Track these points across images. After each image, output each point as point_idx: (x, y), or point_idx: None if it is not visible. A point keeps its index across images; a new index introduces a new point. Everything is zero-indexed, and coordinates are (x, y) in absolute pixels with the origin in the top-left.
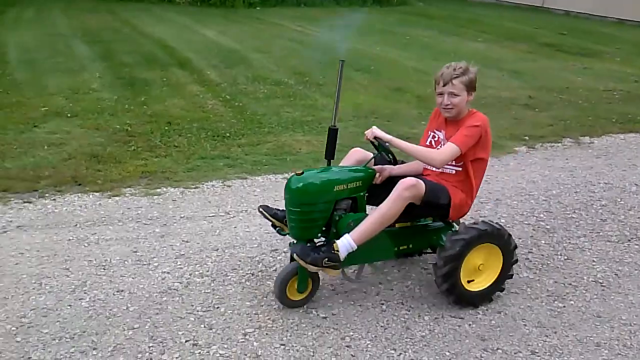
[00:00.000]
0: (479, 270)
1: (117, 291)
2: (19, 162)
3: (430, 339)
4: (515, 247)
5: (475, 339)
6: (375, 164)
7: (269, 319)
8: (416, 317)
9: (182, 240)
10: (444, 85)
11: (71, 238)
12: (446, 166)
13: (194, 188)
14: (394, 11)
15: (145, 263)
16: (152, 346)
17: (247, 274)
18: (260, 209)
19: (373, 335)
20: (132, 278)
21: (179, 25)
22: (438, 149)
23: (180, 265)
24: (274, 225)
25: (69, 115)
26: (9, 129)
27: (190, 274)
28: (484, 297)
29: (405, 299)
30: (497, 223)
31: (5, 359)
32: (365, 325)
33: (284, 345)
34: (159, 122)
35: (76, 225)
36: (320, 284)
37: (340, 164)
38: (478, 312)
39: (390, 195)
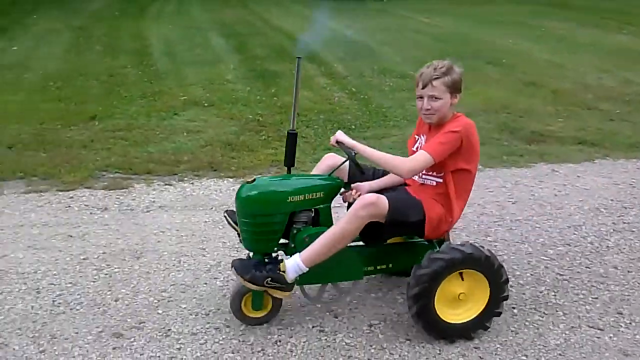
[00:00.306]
0: (459, 300)
1: None
2: (160, 147)
3: (565, 349)
4: (507, 281)
5: (616, 352)
6: (349, 176)
7: (394, 312)
8: (550, 324)
9: None
10: (423, 88)
11: (207, 220)
12: (427, 177)
13: None
14: (527, 2)
15: None
16: (280, 329)
17: None
18: (225, 214)
19: (503, 339)
20: None
21: (307, 19)
22: None
23: None
24: (239, 234)
25: (206, 104)
26: (152, 116)
27: None
28: (461, 332)
29: (538, 305)
30: (488, 250)
31: (148, 328)
32: (494, 329)
33: (409, 340)
34: (288, 113)
35: (212, 208)
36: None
37: (313, 171)
38: (620, 325)
39: (347, 213)
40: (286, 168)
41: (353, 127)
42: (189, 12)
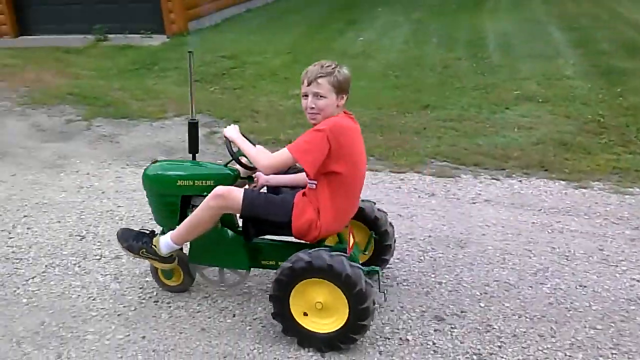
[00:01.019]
0: (317, 309)
1: (580, 285)
2: (490, 140)
3: None
4: (369, 310)
5: None
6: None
7: None
8: None
9: None
10: (308, 85)
11: (535, 221)
12: (310, 180)
13: None
14: None
15: (612, 264)
16: (615, 353)
17: None
18: None
19: None
20: (597, 276)
21: None
22: None
23: None
24: None
25: (540, 100)
26: (484, 108)
27: None
28: (312, 341)
29: None
30: (356, 270)
31: (469, 319)
32: None
33: None
34: (636, 115)
35: (540, 209)
36: None
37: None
38: None
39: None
40: (191, 155)
41: None
42: (527, 5)
